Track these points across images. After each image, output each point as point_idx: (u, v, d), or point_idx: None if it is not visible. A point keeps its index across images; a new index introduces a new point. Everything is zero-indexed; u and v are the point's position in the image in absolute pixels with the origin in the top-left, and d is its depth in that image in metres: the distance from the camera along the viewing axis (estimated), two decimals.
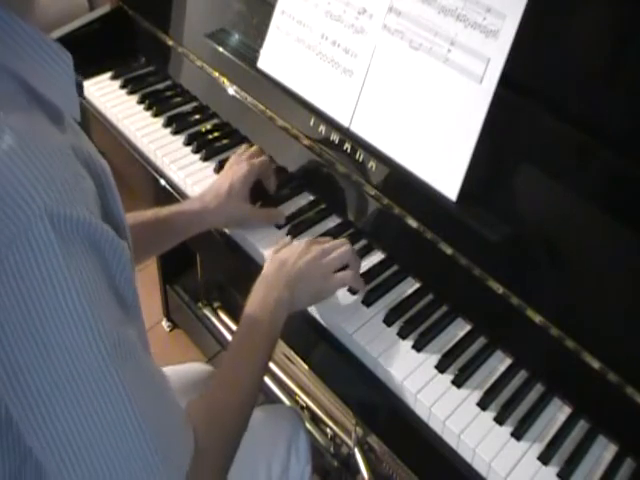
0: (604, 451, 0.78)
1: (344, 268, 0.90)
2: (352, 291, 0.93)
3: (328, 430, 1.43)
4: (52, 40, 0.61)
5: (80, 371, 0.54)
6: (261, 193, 1.07)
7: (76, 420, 0.54)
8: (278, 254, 0.90)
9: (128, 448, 0.56)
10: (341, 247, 0.91)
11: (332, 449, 1.43)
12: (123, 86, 1.34)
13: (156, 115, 1.26)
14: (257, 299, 0.84)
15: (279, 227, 1.03)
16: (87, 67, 1.36)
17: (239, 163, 1.05)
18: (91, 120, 1.32)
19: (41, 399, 0.53)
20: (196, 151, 1.18)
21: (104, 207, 0.60)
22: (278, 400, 1.53)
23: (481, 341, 0.89)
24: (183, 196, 1.12)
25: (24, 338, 0.52)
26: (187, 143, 1.20)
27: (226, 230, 1.06)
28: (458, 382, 0.83)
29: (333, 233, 1.01)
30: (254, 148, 1.10)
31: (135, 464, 0.57)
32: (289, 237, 1.01)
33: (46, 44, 0.60)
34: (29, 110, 0.56)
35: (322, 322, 0.92)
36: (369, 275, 0.95)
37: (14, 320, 0.52)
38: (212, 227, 1.04)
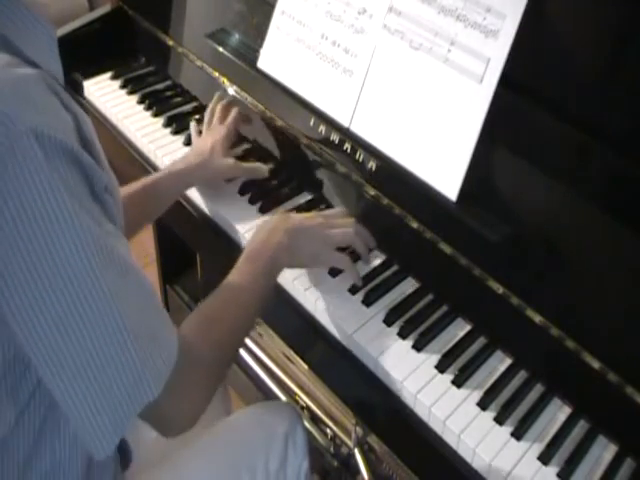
0: (604, 451, 0.78)
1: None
2: (352, 291, 0.93)
3: (328, 430, 1.43)
4: (29, 10, 0.63)
5: (66, 271, 0.56)
6: (261, 192, 1.07)
7: (60, 317, 0.56)
8: (286, 212, 0.95)
9: (112, 348, 0.59)
10: (346, 226, 0.94)
11: (332, 449, 1.43)
12: (123, 86, 1.34)
13: (156, 115, 1.27)
14: (258, 239, 0.88)
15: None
16: (87, 67, 1.37)
17: (215, 127, 1.11)
18: (91, 120, 1.32)
19: (27, 298, 0.55)
20: None
21: (84, 142, 0.61)
22: (278, 400, 1.53)
23: (481, 341, 0.89)
24: (183, 196, 1.12)
25: (12, 241, 0.54)
26: (187, 143, 1.20)
27: (226, 230, 1.06)
28: (458, 382, 0.83)
29: None
30: (218, 110, 1.15)
31: (118, 362, 0.59)
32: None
33: (27, 10, 0.63)
34: (7, 56, 0.59)
35: (322, 322, 0.92)
36: (369, 275, 0.95)
37: (2, 225, 0.53)
38: (199, 182, 1.08)
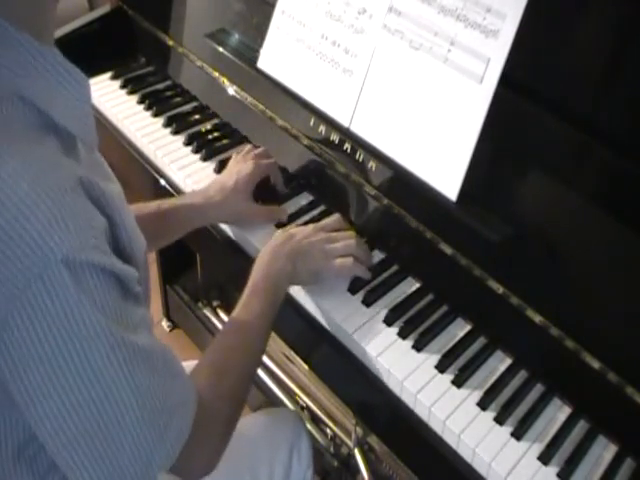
0: (604, 451, 0.78)
1: None
2: (352, 291, 0.93)
3: (328, 430, 1.43)
4: (69, 63, 0.60)
5: (87, 376, 0.56)
6: (261, 192, 1.07)
7: (83, 415, 0.57)
8: (286, 231, 0.93)
9: (126, 435, 0.59)
10: (348, 239, 0.92)
11: (332, 449, 1.43)
12: (123, 86, 1.34)
13: (156, 115, 1.26)
14: (261, 269, 0.87)
15: (279, 227, 1.03)
16: (87, 67, 1.35)
17: (245, 162, 1.05)
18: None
19: (57, 407, 0.56)
20: (196, 151, 1.18)
21: (114, 240, 0.61)
22: (278, 400, 1.53)
23: (481, 341, 0.89)
24: None
25: (39, 365, 0.55)
26: (187, 143, 1.20)
27: (226, 230, 1.06)
28: (458, 382, 0.83)
29: None
30: (261, 149, 1.10)
31: (134, 445, 0.60)
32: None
33: (63, 68, 0.59)
34: (39, 138, 0.56)
35: (322, 322, 0.92)
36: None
37: (32, 354, 0.54)
38: (214, 222, 1.04)
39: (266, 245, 0.91)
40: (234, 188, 1.00)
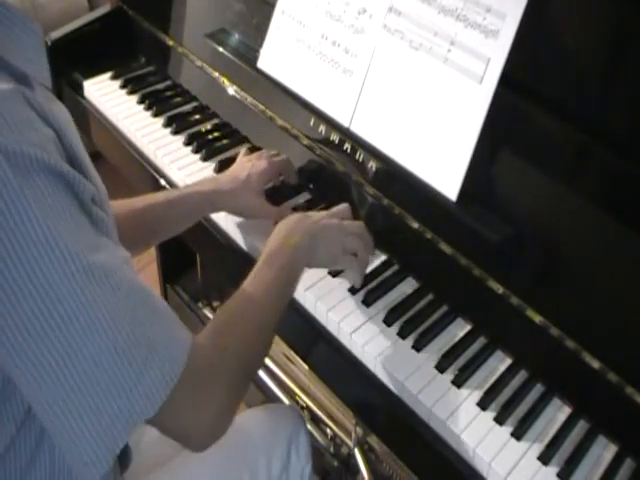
0: (604, 451, 0.78)
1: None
2: (352, 291, 0.93)
3: (328, 430, 1.43)
4: (16, 8, 0.62)
5: (46, 291, 0.54)
6: (271, 193, 1.07)
7: (43, 339, 0.54)
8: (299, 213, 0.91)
9: (101, 367, 0.56)
10: (359, 231, 0.91)
11: (332, 449, 1.43)
12: (123, 86, 1.34)
13: (156, 115, 1.27)
14: (276, 240, 0.84)
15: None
16: (87, 67, 1.37)
17: (260, 159, 1.04)
18: (91, 120, 1.32)
19: (9, 319, 0.54)
20: (196, 151, 1.18)
21: (67, 154, 0.59)
22: (278, 400, 1.53)
23: (481, 341, 0.89)
24: None
25: None
26: (187, 143, 1.20)
27: (226, 230, 1.06)
28: (458, 382, 0.83)
29: None
30: (273, 151, 1.09)
31: (108, 381, 0.57)
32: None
33: (11, 13, 0.61)
34: None
35: (322, 322, 0.92)
36: (369, 275, 0.95)
37: None
38: (222, 210, 1.03)
39: (281, 222, 0.88)
40: (246, 181, 1.00)
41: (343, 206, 0.96)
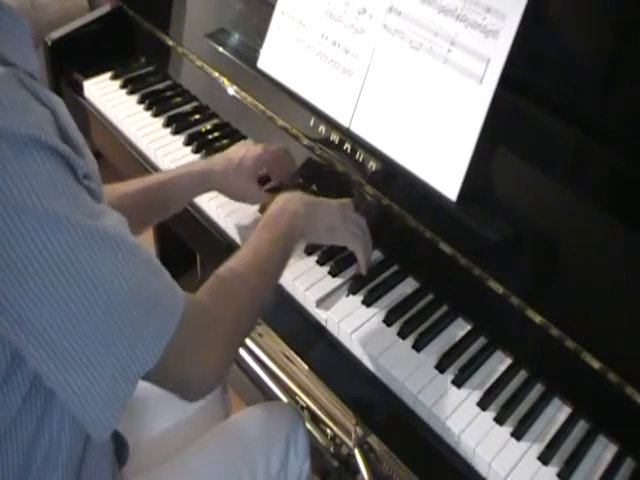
0: (604, 451, 0.78)
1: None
2: (352, 291, 0.93)
3: (328, 430, 1.43)
4: (2, 1, 0.62)
5: (47, 262, 0.55)
6: (267, 182, 1.07)
7: (47, 299, 0.56)
8: None
9: (101, 323, 0.58)
10: (360, 219, 0.94)
11: (332, 449, 1.43)
12: (123, 86, 1.34)
13: (156, 115, 1.27)
14: (276, 208, 0.86)
15: None
16: (87, 67, 1.37)
17: (253, 145, 1.05)
18: (91, 120, 1.32)
19: (17, 292, 0.55)
20: (196, 151, 1.18)
21: (63, 134, 0.60)
22: (278, 400, 1.53)
23: (481, 341, 0.89)
24: None
25: None
26: (187, 143, 1.20)
27: (226, 230, 1.06)
28: (458, 382, 0.83)
29: None
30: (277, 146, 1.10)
31: (109, 335, 0.58)
32: None
33: (3, 11, 0.61)
34: None
35: (322, 322, 0.92)
36: (369, 275, 0.95)
37: None
38: (214, 189, 1.04)
39: (281, 194, 0.90)
40: (239, 163, 1.01)
41: (346, 200, 0.97)
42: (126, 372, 0.60)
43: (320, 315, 0.92)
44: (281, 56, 1.10)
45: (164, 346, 0.62)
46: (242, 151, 1.03)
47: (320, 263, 0.98)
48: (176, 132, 1.23)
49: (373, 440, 1.32)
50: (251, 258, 0.79)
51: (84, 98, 1.34)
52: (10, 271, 0.55)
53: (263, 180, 1.06)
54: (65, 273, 0.56)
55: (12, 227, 0.54)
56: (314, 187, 1.09)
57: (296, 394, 1.50)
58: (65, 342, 0.57)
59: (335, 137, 1.03)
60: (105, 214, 0.61)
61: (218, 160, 1.02)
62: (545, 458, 0.76)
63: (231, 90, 1.21)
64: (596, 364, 0.78)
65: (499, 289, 0.85)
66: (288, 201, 0.87)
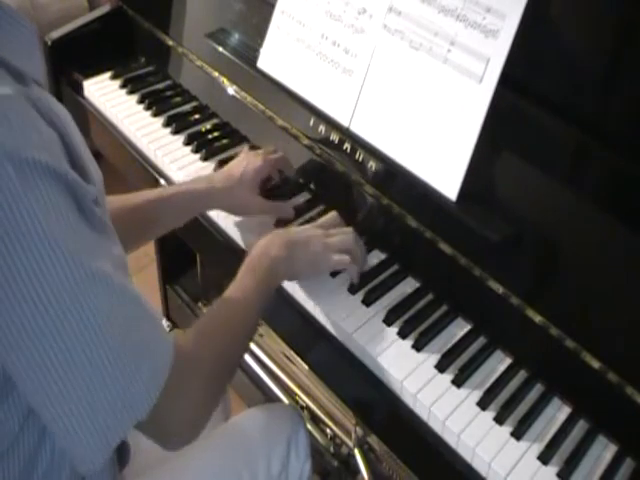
0: (604, 451, 0.78)
1: None
2: (352, 291, 0.93)
3: (328, 430, 1.43)
4: (8, 6, 0.62)
5: (44, 290, 0.55)
6: (260, 191, 1.07)
7: (39, 337, 0.56)
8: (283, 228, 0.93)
9: (95, 367, 0.58)
10: (346, 234, 0.92)
11: (332, 449, 1.43)
12: (123, 86, 1.34)
13: (156, 115, 1.26)
14: (256, 253, 0.87)
15: (278, 226, 1.03)
16: (87, 67, 1.37)
17: (255, 156, 1.05)
18: (91, 120, 1.32)
19: (6, 316, 0.55)
20: (196, 151, 1.18)
21: (70, 157, 0.60)
22: (278, 400, 1.53)
23: (481, 341, 0.89)
24: None
25: None
26: (187, 143, 1.20)
27: (227, 230, 1.06)
28: (458, 382, 0.83)
29: None
30: (273, 149, 1.09)
31: (102, 382, 0.58)
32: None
33: (3, 11, 0.61)
34: None
35: (322, 322, 0.92)
36: (369, 275, 0.95)
37: None
38: (216, 208, 1.04)
39: (264, 237, 0.90)
40: (240, 178, 1.00)
41: (331, 215, 0.98)
42: (118, 421, 0.60)
43: (320, 315, 0.92)
44: (281, 56, 1.10)
45: (158, 396, 0.62)
46: (243, 164, 1.02)
47: None
48: (176, 132, 1.22)
49: (373, 440, 1.32)
50: (232, 307, 0.81)
51: (84, 98, 1.34)
52: (7, 299, 0.54)
53: (269, 192, 1.06)
54: (60, 309, 0.56)
55: (14, 256, 0.54)
56: (312, 186, 1.09)
57: (296, 394, 1.50)
58: (56, 380, 0.57)
59: (335, 137, 1.03)
60: (101, 250, 0.60)
61: (219, 177, 1.01)
62: (545, 458, 0.76)
63: (231, 90, 1.21)
64: (596, 364, 0.78)
65: (499, 289, 0.85)
66: (269, 245, 0.87)
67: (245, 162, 1.03)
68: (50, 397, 0.57)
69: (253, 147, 1.18)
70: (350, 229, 0.95)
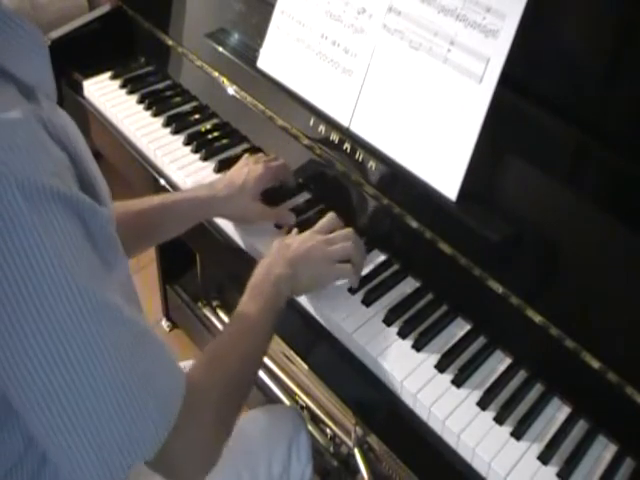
0: (604, 451, 0.78)
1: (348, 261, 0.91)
2: (352, 291, 0.93)
3: (328, 430, 1.43)
4: (19, 17, 0.61)
5: (51, 325, 0.54)
6: (268, 195, 1.07)
7: (46, 372, 0.55)
8: (283, 240, 0.92)
9: (102, 402, 0.57)
10: (346, 240, 0.91)
11: (332, 449, 1.43)
12: (123, 86, 1.34)
13: (156, 115, 1.26)
14: (260, 273, 0.86)
15: (279, 227, 1.03)
16: (87, 67, 1.37)
17: (256, 163, 1.04)
18: (91, 120, 1.32)
19: (16, 350, 0.54)
20: (196, 151, 1.18)
21: (80, 178, 0.60)
22: (278, 400, 1.53)
23: (481, 341, 0.89)
24: None
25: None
26: (187, 143, 1.20)
27: (226, 230, 1.06)
28: (458, 382, 0.83)
29: None
30: (273, 157, 1.09)
31: (109, 419, 0.57)
32: (295, 231, 1.00)
33: (13, 22, 0.60)
34: None
35: (322, 322, 0.92)
36: (369, 275, 0.95)
37: None
38: (218, 216, 1.04)
39: (263, 258, 0.89)
40: (242, 186, 1.00)
41: (329, 217, 0.96)
42: (123, 457, 0.59)
43: (320, 315, 0.92)
44: (281, 56, 1.10)
45: (166, 434, 0.61)
46: (244, 172, 1.02)
47: None
48: (176, 132, 1.22)
49: (373, 440, 1.32)
50: (240, 336, 0.80)
51: (84, 98, 1.34)
52: (14, 331, 0.54)
53: (268, 194, 1.05)
54: (67, 342, 0.55)
55: (22, 287, 0.53)
56: (312, 186, 1.09)
57: (296, 394, 1.50)
58: (62, 413, 0.56)
59: (335, 137, 1.03)
60: (110, 280, 0.60)
61: (220, 186, 1.00)
62: (545, 458, 0.76)
63: (231, 90, 1.21)
64: (596, 364, 0.78)
65: (499, 289, 0.85)
66: (272, 265, 0.86)
67: (246, 169, 1.02)
68: (52, 429, 0.57)
69: (253, 148, 1.18)
70: (350, 230, 0.95)
